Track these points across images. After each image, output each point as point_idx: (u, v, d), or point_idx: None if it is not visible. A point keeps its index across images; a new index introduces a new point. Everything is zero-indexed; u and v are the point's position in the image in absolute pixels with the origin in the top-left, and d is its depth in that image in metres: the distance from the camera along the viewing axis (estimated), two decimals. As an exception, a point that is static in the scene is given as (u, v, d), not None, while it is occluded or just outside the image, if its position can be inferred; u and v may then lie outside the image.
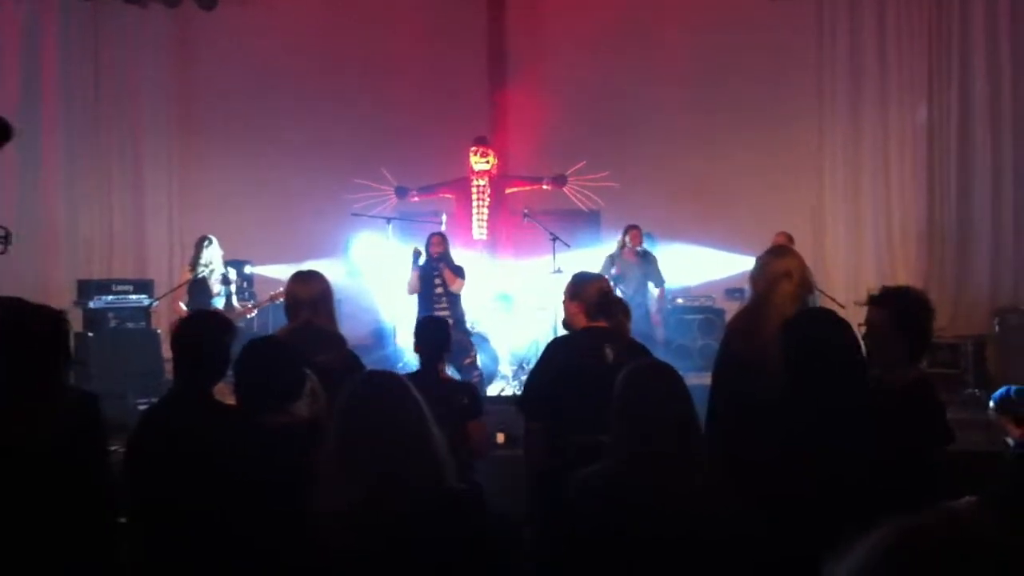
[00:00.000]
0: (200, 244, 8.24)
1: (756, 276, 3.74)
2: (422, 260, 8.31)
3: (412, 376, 3.49)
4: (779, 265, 3.67)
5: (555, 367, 4.06)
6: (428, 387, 2.39)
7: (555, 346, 4.30)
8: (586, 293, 4.15)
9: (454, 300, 8.24)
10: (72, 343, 2.93)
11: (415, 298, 8.27)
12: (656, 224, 10.04)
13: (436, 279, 8.21)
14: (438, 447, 2.23)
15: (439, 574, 2.14)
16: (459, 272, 8.29)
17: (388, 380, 2.38)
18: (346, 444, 2.21)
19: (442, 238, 8.46)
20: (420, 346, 4.51)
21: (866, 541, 1.07)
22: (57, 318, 2.72)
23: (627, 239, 9.40)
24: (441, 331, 4.62)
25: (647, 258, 9.45)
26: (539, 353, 4.41)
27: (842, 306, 8.38)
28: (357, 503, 2.13)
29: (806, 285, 3.68)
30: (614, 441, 2.50)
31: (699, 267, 10.61)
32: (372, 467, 2.15)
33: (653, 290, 9.37)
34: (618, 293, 8.74)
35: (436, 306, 7.90)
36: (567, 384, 3.91)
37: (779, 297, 3.56)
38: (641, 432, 2.44)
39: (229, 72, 11.04)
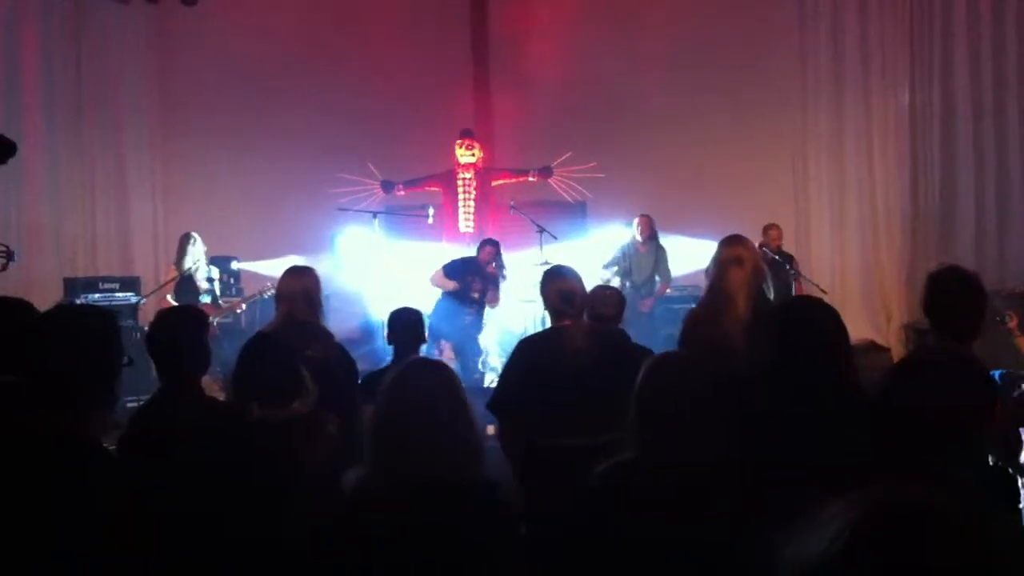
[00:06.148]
0: (184, 241, 8.21)
1: (709, 264, 3.87)
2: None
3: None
4: (729, 252, 3.78)
5: (521, 368, 3.99)
6: None
7: (520, 347, 4.15)
8: (545, 293, 4.08)
9: (481, 307, 8.38)
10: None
11: (427, 289, 8.34)
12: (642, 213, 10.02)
13: (474, 284, 8.24)
14: (479, 438, 2.31)
15: (452, 565, 2.16)
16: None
17: (437, 368, 2.44)
18: (387, 427, 2.25)
19: (497, 251, 8.41)
20: (395, 336, 4.57)
21: (827, 516, 0.99)
22: (109, 315, 2.64)
23: (636, 228, 9.31)
24: (415, 320, 4.66)
25: (657, 249, 9.36)
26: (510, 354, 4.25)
27: (824, 292, 8.45)
28: (387, 484, 2.17)
29: (759, 273, 3.76)
30: (633, 434, 2.48)
31: (686, 256, 10.60)
32: (408, 453, 2.19)
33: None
34: (621, 284, 8.73)
35: (467, 310, 8.12)
36: (534, 385, 3.87)
37: (730, 283, 3.64)
38: (661, 424, 2.43)
39: (212, 67, 10.96)
